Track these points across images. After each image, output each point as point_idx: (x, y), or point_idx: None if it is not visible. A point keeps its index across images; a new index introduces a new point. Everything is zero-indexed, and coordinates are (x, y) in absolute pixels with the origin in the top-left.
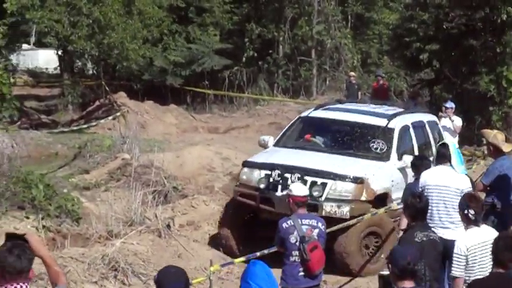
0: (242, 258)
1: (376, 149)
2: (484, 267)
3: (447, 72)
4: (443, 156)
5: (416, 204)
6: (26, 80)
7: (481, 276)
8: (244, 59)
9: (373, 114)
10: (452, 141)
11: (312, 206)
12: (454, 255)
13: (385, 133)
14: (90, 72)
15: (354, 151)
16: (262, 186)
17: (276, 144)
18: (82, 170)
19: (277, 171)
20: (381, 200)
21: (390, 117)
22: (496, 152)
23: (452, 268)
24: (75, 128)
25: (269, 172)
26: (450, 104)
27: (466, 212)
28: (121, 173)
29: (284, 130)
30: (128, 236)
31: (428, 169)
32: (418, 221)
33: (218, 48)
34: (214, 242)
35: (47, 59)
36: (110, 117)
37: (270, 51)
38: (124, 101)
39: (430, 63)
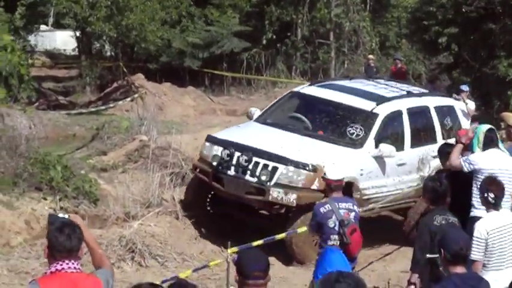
0: (260, 241)
1: (352, 134)
2: (503, 251)
3: (466, 56)
4: (491, 141)
5: (438, 188)
6: (44, 61)
7: (500, 260)
8: (264, 41)
9: (365, 96)
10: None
11: (257, 189)
12: (474, 238)
13: (367, 118)
14: (108, 53)
15: (328, 135)
16: (215, 163)
17: (257, 119)
18: (100, 151)
19: (227, 151)
20: (344, 188)
21: (381, 101)
22: None
23: (472, 251)
24: (92, 110)
25: (223, 149)
26: (465, 87)
27: (486, 195)
28: (138, 154)
29: (270, 104)
30: (145, 217)
31: (479, 153)
32: (439, 204)
33: (237, 30)
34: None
35: (64, 40)
36: (128, 99)
37: (289, 33)
38: (142, 82)
39: (448, 46)
